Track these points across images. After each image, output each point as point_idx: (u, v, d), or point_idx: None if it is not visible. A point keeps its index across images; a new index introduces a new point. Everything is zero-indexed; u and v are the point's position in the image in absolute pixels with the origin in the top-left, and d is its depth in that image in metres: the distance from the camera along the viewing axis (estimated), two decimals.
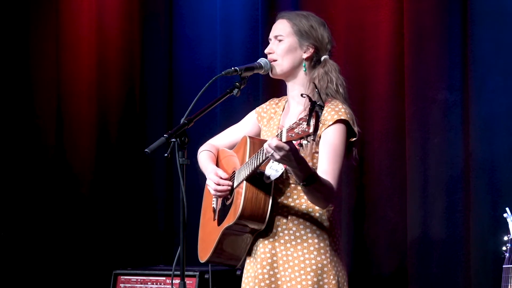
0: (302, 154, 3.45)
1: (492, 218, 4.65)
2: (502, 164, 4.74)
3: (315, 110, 3.00)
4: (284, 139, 3.13)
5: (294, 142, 3.14)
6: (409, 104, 5.05)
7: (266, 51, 3.64)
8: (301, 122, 3.06)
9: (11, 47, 5.81)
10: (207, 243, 3.67)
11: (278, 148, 3.16)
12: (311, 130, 3.02)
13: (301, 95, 3.25)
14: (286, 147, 3.15)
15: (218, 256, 3.65)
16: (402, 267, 5.10)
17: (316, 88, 3.30)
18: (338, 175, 3.44)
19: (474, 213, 4.79)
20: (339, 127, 3.47)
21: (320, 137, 3.47)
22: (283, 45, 3.60)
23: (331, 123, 3.46)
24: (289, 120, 3.60)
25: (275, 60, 3.61)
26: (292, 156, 3.19)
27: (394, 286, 5.16)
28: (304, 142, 3.08)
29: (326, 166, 3.43)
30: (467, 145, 4.86)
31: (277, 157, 3.19)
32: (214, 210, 3.72)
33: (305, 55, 3.61)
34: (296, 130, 3.08)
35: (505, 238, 3.78)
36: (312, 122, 3.01)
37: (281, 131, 3.14)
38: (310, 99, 3.04)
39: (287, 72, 3.61)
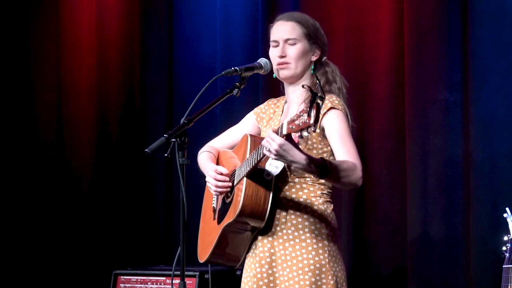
0: (306, 149, 3.46)
1: (492, 218, 4.64)
2: (502, 164, 4.73)
3: (316, 101, 3.02)
4: (285, 131, 3.14)
5: (294, 134, 3.15)
6: (409, 104, 5.04)
7: (278, 54, 3.59)
8: (301, 113, 3.08)
9: (11, 47, 5.81)
10: (207, 242, 3.67)
11: (276, 142, 3.16)
12: (311, 121, 3.04)
13: (302, 86, 3.24)
14: (284, 143, 3.16)
15: (218, 256, 3.65)
16: (402, 267, 5.09)
17: (318, 80, 3.30)
18: (355, 152, 3.45)
19: (474, 213, 4.79)
20: (336, 113, 3.50)
21: (319, 128, 3.48)
22: (297, 49, 3.59)
23: (325, 110, 3.48)
24: None
25: (287, 63, 3.59)
26: (290, 152, 3.19)
27: (394, 286, 5.16)
28: (304, 133, 3.09)
29: (340, 150, 3.45)
30: (467, 145, 4.86)
31: (274, 152, 3.18)
32: (214, 210, 3.72)
33: (313, 58, 3.62)
34: (296, 122, 3.10)
35: (505, 238, 3.78)
36: (313, 113, 3.03)
37: (282, 124, 3.15)
38: (311, 90, 3.05)
39: (299, 75, 3.61)
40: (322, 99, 3.04)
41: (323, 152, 3.53)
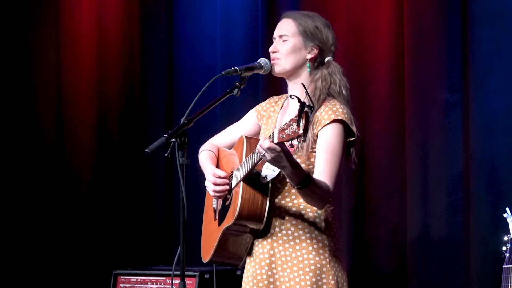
0: (299, 154, 3.46)
1: (492, 218, 4.65)
2: (502, 164, 4.74)
3: (304, 111, 3.01)
4: (275, 140, 3.14)
5: (286, 143, 3.15)
6: (409, 104, 5.05)
7: (270, 49, 3.63)
8: (291, 123, 3.07)
9: (11, 47, 5.81)
10: (209, 243, 3.68)
11: (269, 150, 3.17)
12: (301, 131, 3.03)
13: (290, 96, 3.26)
14: (278, 148, 3.16)
15: (220, 256, 3.66)
16: (402, 267, 5.10)
17: (305, 88, 3.29)
18: (335, 175, 3.44)
19: (474, 213, 4.79)
20: (336, 127, 3.47)
21: (317, 136, 3.47)
22: (288, 45, 3.60)
23: (327, 122, 3.47)
24: (287, 117, 3.61)
25: (277, 59, 3.61)
26: (284, 157, 3.20)
27: (394, 286, 5.16)
28: (295, 142, 3.09)
29: (323, 166, 3.43)
30: (467, 145, 4.86)
31: (269, 157, 3.19)
32: (215, 211, 3.73)
33: (309, 56, 3.61)
34: (287, 131, 3.09)
35: (505, 238, 3.78)
36: (302, 123, 3.02)
37: (273, 132, 3.15)
38: (299, 100, 3.05)
39: (290, 71, 3.61)
40: (311, 108, 3.03)
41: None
